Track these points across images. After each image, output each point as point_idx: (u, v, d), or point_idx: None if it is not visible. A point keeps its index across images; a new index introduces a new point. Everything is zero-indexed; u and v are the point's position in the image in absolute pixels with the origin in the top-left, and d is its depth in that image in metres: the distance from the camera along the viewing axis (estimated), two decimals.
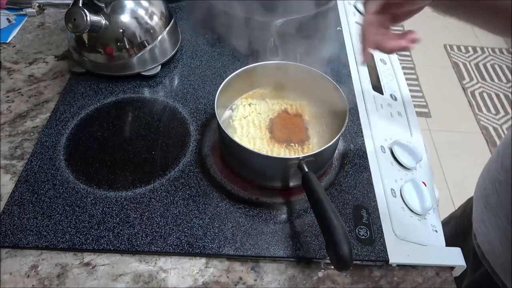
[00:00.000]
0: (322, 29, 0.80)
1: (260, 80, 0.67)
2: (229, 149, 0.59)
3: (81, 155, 0.63)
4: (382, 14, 0.47)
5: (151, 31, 0.73)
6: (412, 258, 0.52)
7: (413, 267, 0.52)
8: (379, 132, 0.67)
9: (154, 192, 0.58)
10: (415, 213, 0.57)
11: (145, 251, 0.52)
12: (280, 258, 0.52)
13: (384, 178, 0.60)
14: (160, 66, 0.76)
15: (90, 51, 0.72)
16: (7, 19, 0.87)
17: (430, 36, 2.44)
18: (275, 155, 0.59)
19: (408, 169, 0.63)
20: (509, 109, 2.11)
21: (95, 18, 0.66)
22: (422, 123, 2.01)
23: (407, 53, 2.45)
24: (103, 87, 0.74)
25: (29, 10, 0.89)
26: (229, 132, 0.55)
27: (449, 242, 0.55)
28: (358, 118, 0.69)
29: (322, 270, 0.52)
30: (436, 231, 0.56)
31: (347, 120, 0.56)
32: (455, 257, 0.53)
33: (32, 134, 0.66)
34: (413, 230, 0.55)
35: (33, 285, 0.49)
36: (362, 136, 0.67)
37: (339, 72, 0.78)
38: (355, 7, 0.96)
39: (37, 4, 0.90)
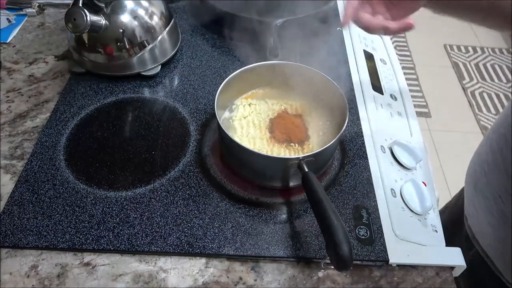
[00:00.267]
0: (322, 29, 0.80)
1: (260, 80, 0.67)
2: (229, 149, 0.59)
3: (81, 155, 0.63)
4: None
5: (151, 31, 0.73)
6: (412, 258, 0.52)
7: (413, 267, 0.52)
8: (379, 132, 0.67)
9: (154, 192, 0.58)
10: (415, 213, 0.57)
11: (145, 251, 0.52)
12: (280, 258, 0.52)
13: (384, 178, 0.60)
14: (160, 66, 0.76)
15: (90, 51, 0.72)
16: (7, 19, 0.87)
17: (430, 36, 2.44)
18: (275, 155, 0.59)
19: (408, 169, 0.63)
20: None
21: (95, 18, 0.66)
22: (422, 123, 2.01)
23: (407, 53, 2.45)
24: (103, 87, 0.74)
25: (29, 10, 0.89)
26: (229, 132, 0.55)
27: (445, 230, 0.56)
28: (358, 118, 0.69)
29: (322, 270, 0.52)
30: (436, 231, 0.56)
31: (347, 120, 0.56)
32: (455, 257, 0.53)
33: (32, 134, 0.66)
34: (413, 230, 0.55)
35: (33, 285, 0.49)
36: (362, 136, 0.67)
37: (339, 72, 0.78)
38: None
39: (37, 4, 0.90)
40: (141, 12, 0.72)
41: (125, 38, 0.71)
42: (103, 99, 0.72)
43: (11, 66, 0.78)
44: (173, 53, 0.79)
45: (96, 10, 0.68)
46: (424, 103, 2.14)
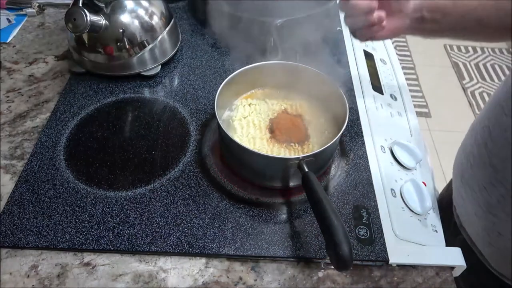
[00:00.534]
0: (322, 29, 0.80)
1: (260, 80, 0.67)
2: (229, 149, 0.59)
3: (81, 155, 0.63)
4: None
5: (151, 31, 0.73)
6: (412, 258, 0.52)
7: (413, 267, 0.52)
8: (379, 132, 0.67)
9: (154, 192, 0.58)
10: (415, 213, 0.57)
11: (145, 251, 0.52)
12: (280, 258, 0.52)
13: (384, 178, 0.60)
14: (160, 66, 0.76)
15: (90, 51, 0.72)
16: (7, 19, 0.87)
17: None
18: (275, 155, 0.59)
19: (408, 169, 0.63)
20: None
21: (95, 18, 0.66)
22: (422, 123, 2.01)
23: (407, 53, 2.45)
24: (103, 87, 0.74)
25: (29, 10, 0.89)
26: (229, 132, 0.55)
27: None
28: (358, 118, 0.69)
29: (322, 270, 0.52)
30: (436, 231, 0.56)
31: (347, 120, 0.56)
32: (455, 257, 0.53)
33: (32, 134, 0.66)
34: (413, 230, 0.55)
35: (33, 285, 0.49)
36: (362, 136, 0.67)
37: (339, 72, 0.78)
38: None
39: (37, 4, 0.90)
40: (141, 12, 0.72)
41: (125, 38, 0.71)
42: (103, 99, 0.72)
43: (11, 66, 0.78)
44: (173, 53, 0.79)
45: (96, 10, 0.68)
46: (424, 103, 2.14)
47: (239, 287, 0.50)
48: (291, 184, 0.58)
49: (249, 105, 0.66)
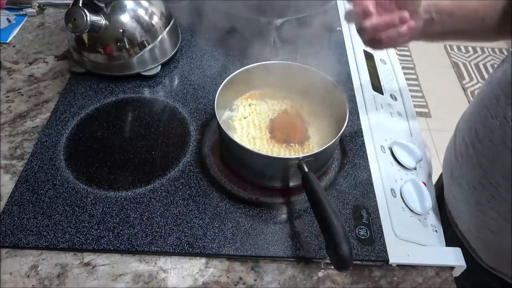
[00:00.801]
0: (322, 29, 0.80)
1: (260, 80, 0.66)
2: (229, 149, 0.59)
3: (81, 155, 0.63)
4: None
5: (151, 31, 0.73)
6: (412, 258, 0.52)
7: (413, 267, 0.52)
8: (379, 132, 0.67)
9: (154, 192, 0.58)
10: (415, 213, 0.57)
11: (145, 251, 0.52)
12: (280, 258, 0.52)
13: (384, 178, 0.60)
14: (160, 66, 0.76)
15: (90, 51, 0.72)
16: (7, 19, 0.87)
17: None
18: (275, 155, 0.59)
19: (408, 169, 0.63)
20: None
21: (95, 18, 0.66)
22: (422, 123, 2.01)
23: (407, 53, 2.45)
24: (103, 87, 0.74)
25: (29, 10, 0.89)
26: (229, 132, 0.55)
27: None
28: (358, 118, 0.69)
29: (322, 270, 0.52)
30: (436, 231, 0.56)
31: (347, 120, 0.56)
32: (455, 257, 0.53)
33: (32, 134, 0.66)
34: (413, 230, 0.55)
35: (33, 285, 0.49)
36: (362, 136, 0.67)
37: (339, 72, 0.78)
38: None
39: (37, 4, 0.90)
40: (141, 12, 0.72)
41: (125, 38, 0.71)
42: (103, 99, 0.72)
43: (11, 66, 0.78)
44: (173, 53, 0.79)
45: (96, 10, 0.68)
46: (424, 103, 2.14)
47: (239, 287, 0.50)
48: (291, 184, 0.58)
49: (249, 105, 0.66)
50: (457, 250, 0.54)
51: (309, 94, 0.66)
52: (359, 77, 0.77)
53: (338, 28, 0.89)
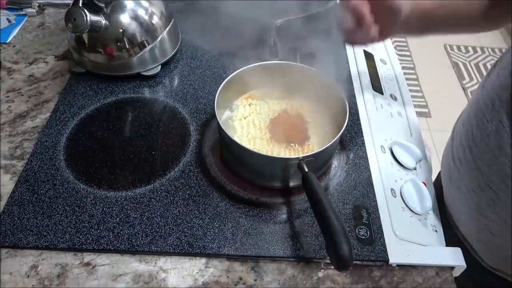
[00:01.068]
0: (322, 29, 0.80)
1: (260, 80, 0.66)
2: (229, 149, 0.59)
3: (81, 155, 0.63)
4: None
5: (151, 31, 0.73)
6: (412, 258, 0.52)
7: (413, 267, 0.52)
8: (379, 132, 0.67)
9: (154, 192, 0.58)
10: (415, 213, 0.57)
11: (145, 251, 0.52)
12: (280, 258, 0.52)
13: (384, 178, 0.60)
14: (160, 66, 0.76)
15: (90, 51, 0.72)
16: (7, 19, 0.87)
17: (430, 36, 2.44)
18: (275, 155, 0.59)
19: (408, 169, 0.63)
20: None
21: (95, 18, 0.66)
22: (422, 123, 2.01)
23: (407, 53, 2.45)
24: (103, 87, 0.74)
25: (29, 10, 0.89)
26: (229, 132, 0.55)
27: None
28: (358, 118, 0.69)
29: (322, 270, 0.52)
30: (436, 231, 0.56)
31: (347, 120, 0.56)
32: (455, 257, 0.53)
33: (32, 134, 0.66)
34: (413, 230, 0.55)
35: (33, 285, 0.49)
36: (362, 136, 0.67)
37: (339, 72, 0.78)
38: None
39: (37, 4, 0.90)
40: (141, 12, 0.72)
41: (125, 38, 0.71)
42: (103, 99, 0.72)
43: (11, 66, 0.78)
44: (173, 53, 0.79)
45: (96, 10, 0.68)
46: (424, 103, 2.14)
47: (239, 287, 0.50)
48: (291, 184, 0.58)
49: (249, 105, 0.66)
50: (457, 250, 0.54)
51: (309, 94, 0.66)
52: (359, 77, 0.77)
53: None
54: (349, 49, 0.84)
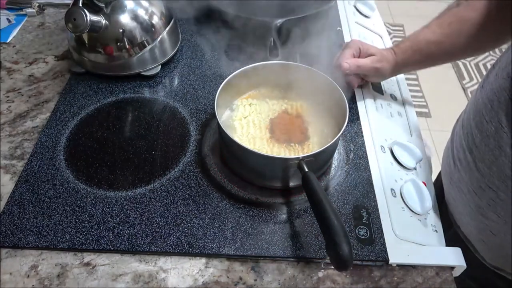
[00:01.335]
0: (322, 29, 0.80)
1: (260, 80, 0.67)
2: (229, 149, 0.59)
3: (81, 155, 0.63)
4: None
5: (151, 31, 0.73)
6: (412, 258, 0.52)
7: (413, 267, 0.52)
8: (379, 132, 0.67)
9: (154, 192, 0.58)
10: (415, 213, 0.57)
11: (145, 251, 0.52)
12: (280, 258, 0.52)
13: (384, 178, 0.60)
14: (160, 66, 0.76)
15: (90, 51, 0.72)
16: (7, 19, 0.87)
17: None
18: (275, 155, 0.59)
19: (408, 169, 0.63)
20: None
21: (95, 18, 0.66)
22: (422, 123, 2.01)
23: None
24: (103, 87, 0.74)
25: (29, 10, 0.89)
26: (229, 132, 0.55)
27: None
28: (358, 118, 0.69)
29: (322, 270, 0.52)
30: (436, 231, 0.56)
31: (347, 120, 0.56)
32: (455, 257, 0.53)
33: (32, 134, 0.66)
34: (413, 230, 0.55)
35: (33, 285, 0.49)
36: (362, 136, 0.67)
37: (339, 72, 0.78)
38: (355, 7, 0.96)
39: (37, 4, 0.90)
40: (141, 12, 0.72)
41: (125, 38, 0.71)
42: (103, 99, 0.72)
43: (11, 66, 0.78)
44: (173, 53, 0.79)
45: (96, 10, 0.68)
46: (424, 103, 2.14)
47: (239, 287, 0.50)
48: (291, 184, 0.58)
49: (250, 105, 0.66)
50: (457, 250, 0.54)
51: (309, 94, 0.66)
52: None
53: (338, 28, 0.89)
54: None
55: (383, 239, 0.53)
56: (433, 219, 0.58)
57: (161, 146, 0.64)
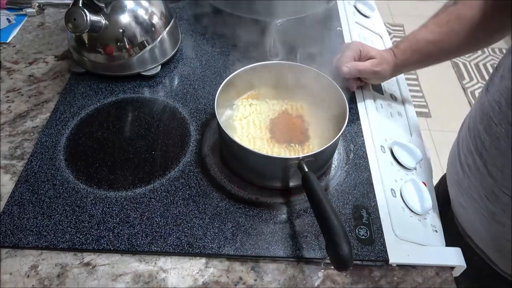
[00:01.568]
0: (322, 29, 0.80)
1: (261, 80, 0.67)
2: (229, 149, 0.59)
3: (81, 155, 0.63)
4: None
5: (151, 31, 0.73)
6: (412, 258, 0.52)
7: (413, 267, 0.52)
8: (379, 132, 0.67)
9: (154, 192, 0.58)
10: (415, 213, 0.57)
11: (145, 251, 0.52)
12: (280, 258, 0.52)
13: (384, 178, 0.60)
14: (160, 66, 0.76)
15: (90, 51, 0.72)
16: (7, 19, 0.87)
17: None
18: (275, 155, 0.59)
19: (408, 169, 0.63)
20: None
21: (95, 18, 0.66)
22: (422, 123, 2.01)
23: None
24: (103, 87, 0.74)
25: (29, 10, 0.89)
26: (229, 132, 0.55)
27: None
28: (358, 118, 0.69)
29: (322, 270, 0.52)
30: (436, 231, 0.56)
31: (347, 120, 0.56)
32: (455, 257, 0.53)
33: (32, 134, 0.66)
34: (413, 230, 0.55)
35: (33, 285, 0.49)
36: (362, 136, 0.67)
37: (339, 72, 0.78)
38: (355, 7, 0.96)
39: (37, 4, 0.90)
40: (141, 12, 0.72)
41: (125, 38, 0.71)
42: (103, 99, 0.72)
43: (11, 66, 0.78)
44: (173, 53, 0.79)
45: (96, 10, 0.68)
46: (424, 103, 2.14)
47: (239, 287, 0.50)
48: (291, 184, 0.58)
49: (250, 105, 0.66)
50: (457, 250, 0.54)
51: (309, 94, 0.66)
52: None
53: (338, 28, 0.89)
54: None
55: (383, 239, 0.53)
56: (433, 219, 0.58)
57: (161, 146, 0.64)
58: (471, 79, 2.29)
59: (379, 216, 0.56)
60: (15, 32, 0.85)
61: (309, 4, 0.81)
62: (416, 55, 0.66)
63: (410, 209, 0.57)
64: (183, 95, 0.73)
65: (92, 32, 0.67)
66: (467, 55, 2.43)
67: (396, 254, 0.52)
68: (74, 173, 0.60)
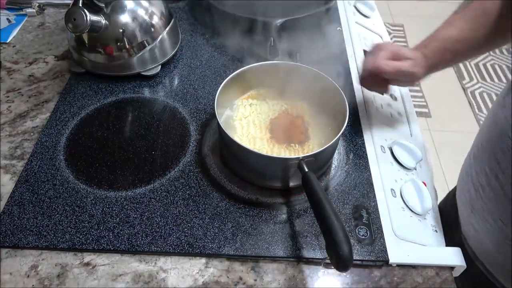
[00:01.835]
0: (322, 29, 0.80)
1: (260, 80, 0.67)
2: (229, 149, 0.59)
3: (81, 155, 0.63)
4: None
5: (151, 31, 0.73)
6: (412, 258, 0.52)
7: (413, 267, 0.52)
8: (379, 132, 0.67)
9: (154, 192, 0.58)
10: (415, 213, 0.57)
11: (145, 251, 0.52)
12: (280, 258, 0.52)
13: (384, 178, 0.60)
14: (160, 66, 0.76)
15: (90, 51, 0.72)
16: (7, 19, 0.87)
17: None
18: (275, 155, 0.59)
19: (408, 169, 0.63)
20: None
21: (95, 18, 0.66)
22: (422, 123, 2.01)
23: None
24: (103, 87, 0.74)
25: (29, 10, 0.89)
26: (229, 132, 0.55)
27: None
28: (358, 118, 0.69)
29: (322, 270, 0.52)
30: (436, 231, 0.56)
31: (347, 120, 0.56)
32: (455, 257, 0.53)
33: (32, 134, 0.66)
34: (413, 230, 0.55)
35: (33, 285, 0.49)
36: (362, 136, 0.67)
37: (339, 72, 0.78)
38: (355, 7, 0.96)
39: (37, 4, 0.90)
40: (141, 12, 0.72)
41: (125, 38, 0.71)
42: (103, 99, 0.72)
43: (11, 66, 0.78)
44: (173, 53, 0.79)
45: (96, 10, 0.68)
46: (424, 103, 2.14)
47: (239, 287, 0.50)
48: (291, 184, 0.58)
49: (250, 105, 0.66)
50: (457, 250, 0.54)
51: (309, 94, 0.66)
52: (359, 77, 0.77)
53: (338, 28, 0.89)
54: (349, 48, 0.84)
55: (383, 239, 0.53)
56: (433, 219, 0.58)
57: (161, 146, 0.64)
58: (471, 79, 2.28)
59: (379, 216, 0.56)
60: (15, 32, 0.85)
61: (309, 4, 0.81)
62: (446, 55, 0.62)
63: (410, 209, 0.57)
64: (183, 95, 0.73)
65: (92, 32, 0.67)
66: None
67: (396, 254, 0.52)
68: (74, 173, 0.60)
